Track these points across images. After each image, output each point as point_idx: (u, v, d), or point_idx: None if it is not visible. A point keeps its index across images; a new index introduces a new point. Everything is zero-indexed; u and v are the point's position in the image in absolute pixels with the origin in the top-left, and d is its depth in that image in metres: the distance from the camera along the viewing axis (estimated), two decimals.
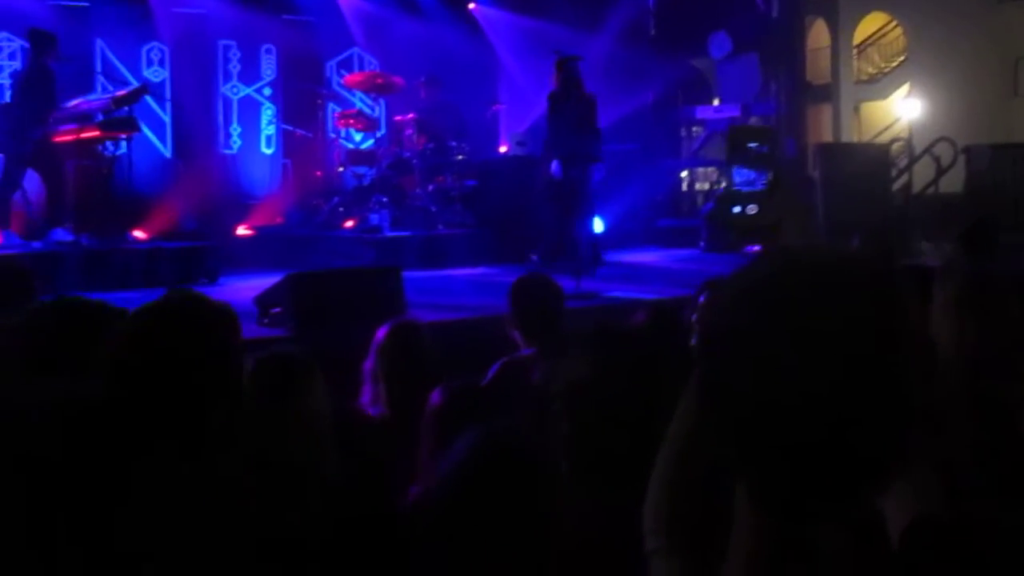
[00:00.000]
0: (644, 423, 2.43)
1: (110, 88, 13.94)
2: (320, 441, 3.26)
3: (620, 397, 2.63)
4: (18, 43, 14.38)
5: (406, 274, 9.50)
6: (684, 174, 21.83)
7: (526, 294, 5.82)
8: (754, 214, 15.66)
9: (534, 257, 13.61)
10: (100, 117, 12.50)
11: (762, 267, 1.54)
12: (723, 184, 17.99)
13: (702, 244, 16.37)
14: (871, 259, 1.53)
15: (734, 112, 20.16)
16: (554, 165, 13.01)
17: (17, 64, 14.23)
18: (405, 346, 4.91)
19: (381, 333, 4.99)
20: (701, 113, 20.88)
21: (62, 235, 12.31)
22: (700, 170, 22.64)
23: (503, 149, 17.63)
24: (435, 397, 3.62)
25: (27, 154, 12.41)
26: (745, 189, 15.99)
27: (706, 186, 22.29)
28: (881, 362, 1.44)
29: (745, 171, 15.95)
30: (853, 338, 1.44)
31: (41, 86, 12.46)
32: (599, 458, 2.60)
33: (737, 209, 15.62)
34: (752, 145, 15.80)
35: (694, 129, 22.52)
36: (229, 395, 2.31)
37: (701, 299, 5.38)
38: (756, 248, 14.89)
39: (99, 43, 15.15)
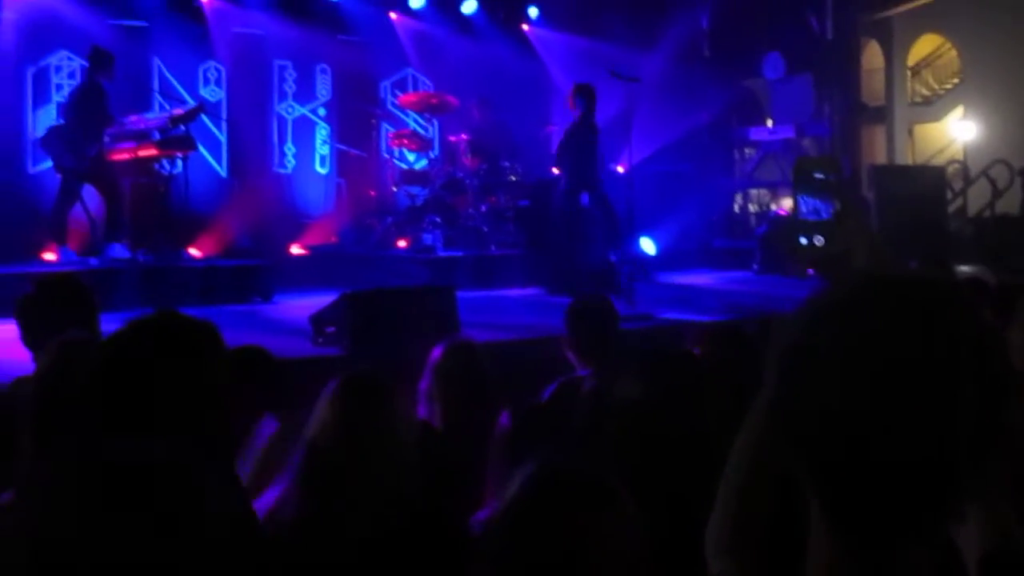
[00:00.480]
0: (696, 444, 2.41)
1: (167, 107, 14.06)
2: (405, 458, 3.24)
3: (671, 417, 2.61)
4: (78, 62, 14.53)
5: (459, 293, 9.49)
6: (738, 195, 21.73)
7: (583, 315, 5.80)
8: (821, 244, 15.56)
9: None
10: (157, 135, 12.59)
11: (842, 290, 1.53)
12: (776, 207, 17.90)
13: (756, 266, 16.29)
14: (950, 282, 1.52)
15: (788, 133, 20.07)
16: (585, 197, 12.87)
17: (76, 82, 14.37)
18: (461, 365, 4.90)
19: (437, 352, 4.97)
20: (755, 134, 20.79)
21: (119, 252, 12.41)
22: (754, 191, 22.55)
23: (556, 170, 17.60)
24: (504, 419, 3.61)
25: (84, 171, 12.53)
26: (812, 218, 15.89)
27: (760, 207, 22.20)
28: (963, 384, 1.43)
29: (811, 200, 15.86)
30: (935, 360, 1.44)
31: (94, 103, 12.57)
32: (650, 478, 2.58)
33: (804, 239, 15.52)
34: (818, 175, 15.69)
35: (747, 150, 22.42)
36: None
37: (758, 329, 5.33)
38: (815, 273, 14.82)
39: (157, 62, 15.29)
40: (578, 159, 12.96)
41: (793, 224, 16.31)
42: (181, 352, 2.23)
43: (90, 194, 12.82)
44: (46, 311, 4.40)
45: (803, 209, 15.98)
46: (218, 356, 2.28)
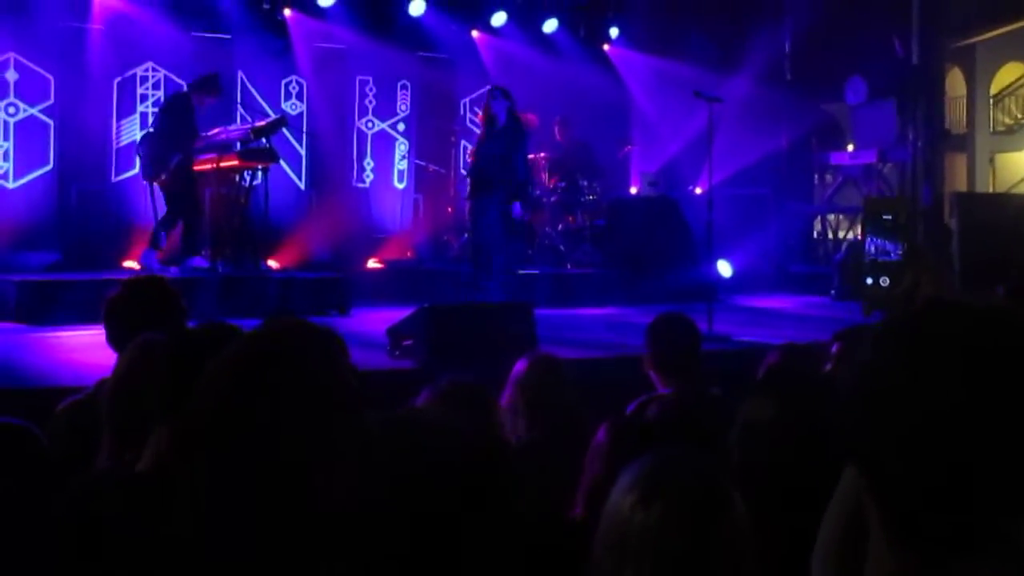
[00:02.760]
0: (824, 472, 2.35)
1: (249, 119, 14.16)
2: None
3: (803, 442, 2.55)
4: (163, 73, 14.68)
5: (536, 311, 9.52)
6: (817, 220, 21.56)
7: (665, 334, 5.74)
8: (887, 286, 15.39)
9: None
10: (239, 147, 12.68)
11: (918, 317, 1.60)
12: (856, 233, 17.72)
13: (833, 292, 16.14)
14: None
15: (870, 158, 19.89)
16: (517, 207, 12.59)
17: (161, 94, 14.51)
18: (546, 379, 4.86)
19: (520, 366, 4.94)
20: (835, 159, 20.62)
21: (198, 262, 12.51)
22: (833, 217, 22.34)
23: (634, 190, 17.58)
24: (601, 433, 3.56)
25: (162, 181, 12.65)
26: (879, 259, 15.71)
27: (839, 233, 21.99)
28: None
29: (879, 241, 15.68)
30: (1013, 380, 1.51)
31: (180, 115, 12.72)
32: (774, 503, 2.53)
33: (870, 280, 15.37)
34: (886, 216, 15.55)
35: (827, 175, 22.24)
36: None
37: (834, 349, 5.26)
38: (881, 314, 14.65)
39: (240, 74, 15.40)
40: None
41: (860, 264, 16.16)
42: (321, 353, 2.20)
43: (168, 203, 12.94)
44: (133, 312, 4.41)
45: (871, 250, 15.82)
46: (347, 360, 2.25)
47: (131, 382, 3.36)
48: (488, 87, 12.92)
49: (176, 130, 12.69)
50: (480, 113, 12.80)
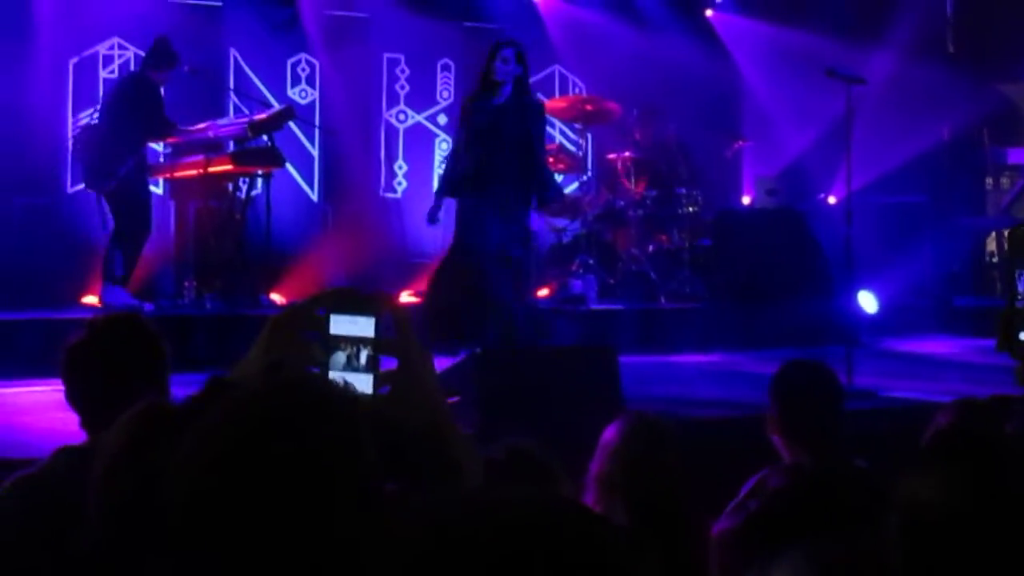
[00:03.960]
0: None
1: (245, 111, 14.25)
2: None
3: (988, 528, 2.53)
4: (132, 51, 14.75)
5: (621, 357, 9.51)
6: (991, 238, 21.35)
7: (794, 388, 5.72)
8: None
9: None
10: (233, 147, 12.74)
11: None
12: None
13: None
14: None
15: None
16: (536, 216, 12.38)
17: None
18: (651, 450, 4.89)
19: (612, 433, 4.97)
20: (1015, 157, 20.41)
21: (119, 297, 12.39)
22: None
23: (747, 200, 17.53)
24: (721, 523, 3.57)
25: (109, 194, 12.61)
26: None
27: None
28: None
29: None
30: None
31: (136, 105, 12.66)
32: None
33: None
34: None
35: (1003, 179, 22.02)
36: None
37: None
38: None
39: (233, 53, 15.51)
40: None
41: (1012, 313, 15.98)
42: (339, 426, 2.18)
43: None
44: (101, 362, 4.40)
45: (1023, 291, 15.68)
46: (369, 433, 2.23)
47: (138, 466, 3.29)
48: (496, 40, 12.35)
49: (129, 124, 12.64)
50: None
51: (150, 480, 3.13)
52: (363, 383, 2.73)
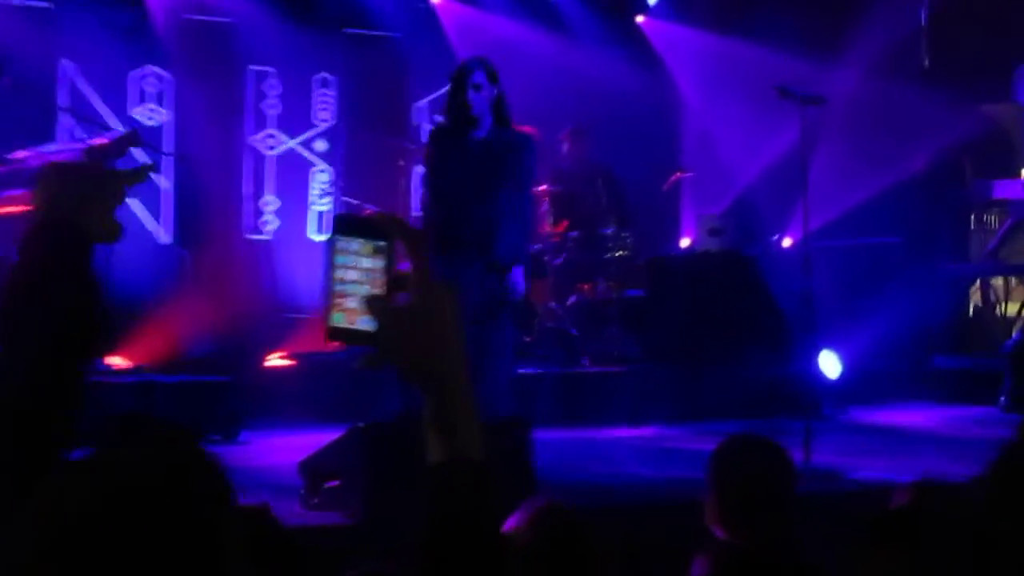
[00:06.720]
0: None
1: (81, 134, 14.21)
2: None
3: None
4: None
5: (536, 432, 9.63)
6: (975, 287, 21.56)
7: (736, 468, 5.80)
8: None
9: None
10: None
11: None
12: None
13: (1003, 399, 16.09)
14: None
15: None
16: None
17: None
18: (557, 543, 4.92)
19: (515, 522, 4.99)
20: (1002, 190, 20.59)
21: None
22: (999, 281, 22.32)
23: (686, 242, 17.64)
24: None
25: None
26: None
27: (1008, 306, 21.94)
28: None
29: None
30: None
31: None
32: None
33: None
34: None
35: (988, 215, 22.27)
36: None
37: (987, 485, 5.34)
38: None
39: (65, 65, 15.49)
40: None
41: None
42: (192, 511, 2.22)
43: None
44: None
45: None
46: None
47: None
48: (460, 63, 12.11)
49: None
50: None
51: None
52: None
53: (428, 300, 2.61)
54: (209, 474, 2.19)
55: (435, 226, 11.30)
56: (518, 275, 11.17)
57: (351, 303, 2.68)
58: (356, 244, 2.69)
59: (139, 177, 3.03)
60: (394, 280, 2.65)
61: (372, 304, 2.60)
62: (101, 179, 2.91)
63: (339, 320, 2.66)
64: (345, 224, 2.72)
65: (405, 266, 2.75)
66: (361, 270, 2.69)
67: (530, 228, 12.26)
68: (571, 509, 5.21)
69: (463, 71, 11.37)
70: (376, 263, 2.69)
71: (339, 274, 2.69)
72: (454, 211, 11.28)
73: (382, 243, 2.68)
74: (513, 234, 11.22)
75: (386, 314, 2.58)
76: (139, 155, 14.64)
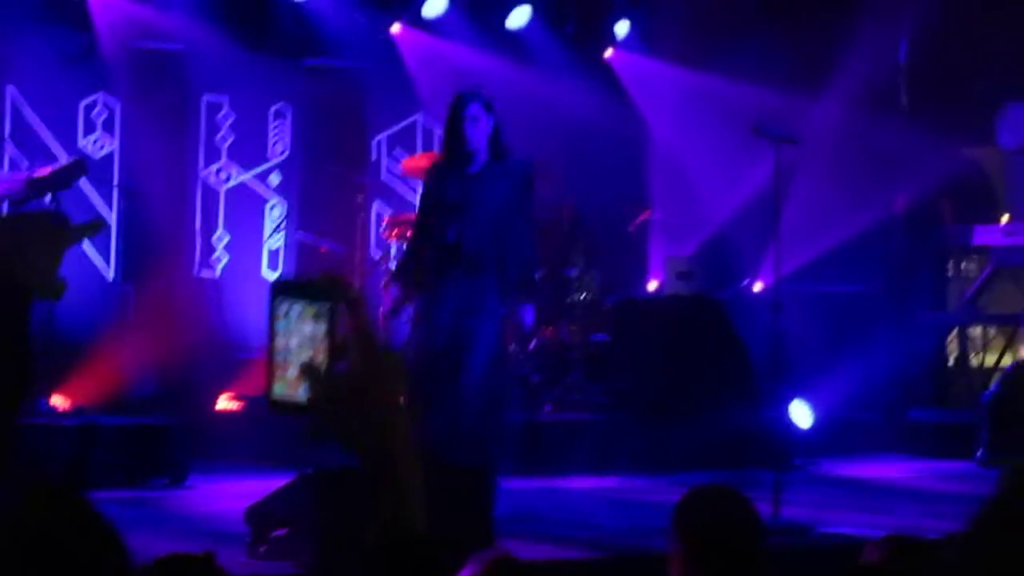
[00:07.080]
0: None
1: (24, 163, 14.13)
2: None
3: None
4: None
5: (496, 482, 9.75)
6: (953, 336, 21.61)
7: (702, 521, 5.71)
8: None
9: None
10: (7, 208, 12.65)
11: None
12: (1018, 356, 17.71)
13: (981, 452, 16.08)
14: None
15: None
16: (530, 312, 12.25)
17: None
18: None
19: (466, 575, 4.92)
20: (982, 236, 20.66)
21: None
22: (978, 330, 22.38)
23: (654, 285, 17.61)
24: None
25: None
26: None
27: (987, 357, 21.99)
28: None
29: None
30: None
31: None
32: None
33: None
34: None
35: (967, 263, 22.31)
36: None
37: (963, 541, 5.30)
38: None
39: (10, 91, 15.40)
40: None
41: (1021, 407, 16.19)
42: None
43: None
44: None
45: None
46: None
47: None
48: (456, 94, 12.04)
49: None
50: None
51: None
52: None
53: (369, 366, 2.63)
54: (90, 534, 2.15)
55: (425, 258, 11.36)
56: (528, 313, 11.43)
57: (292, 372, 2.68)
58: (297, 308, 2.69)
59: (88, 232, 2.97)
60: (336, 346, 2.64)
61: (308, 371, 2.60)
62: (47, 233, 2.87)
63: (280, 391, 2.67)
64: (286, 288, 2.75)
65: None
66: (303, 336, 2.69)
67: (535, 257, 12.22)
68: (523, 562, 5.14)
69: (458, 103, 11.45)
70: (318, 328, 2.68)
71: (280, 341, 2.70)
72: (444, 238, 11.22)
73: (324, 306, 2.67)
74: (519, 265, 11.32)
75: (322, 382, 2.59)
76: (85, 186, 14.58)
